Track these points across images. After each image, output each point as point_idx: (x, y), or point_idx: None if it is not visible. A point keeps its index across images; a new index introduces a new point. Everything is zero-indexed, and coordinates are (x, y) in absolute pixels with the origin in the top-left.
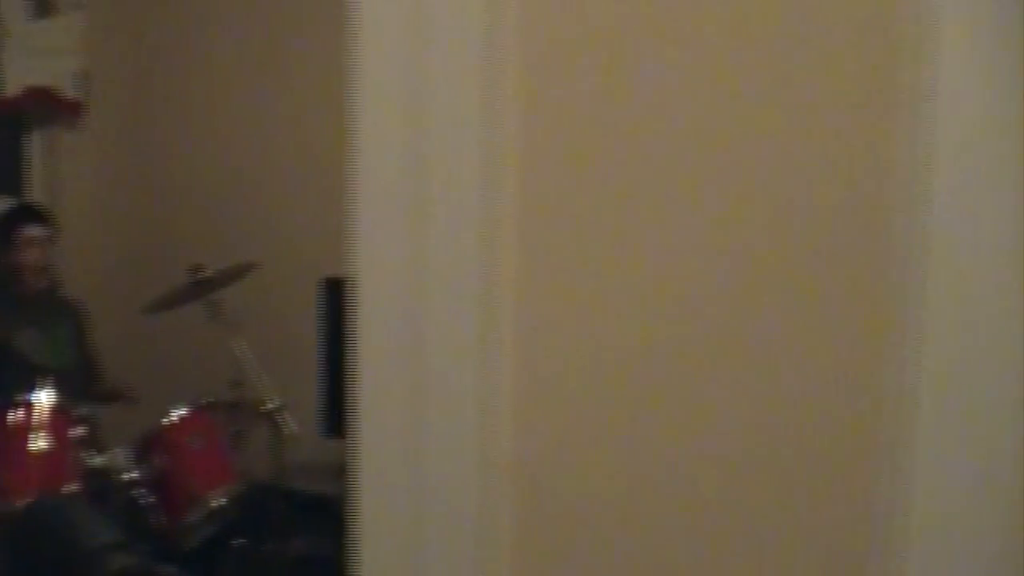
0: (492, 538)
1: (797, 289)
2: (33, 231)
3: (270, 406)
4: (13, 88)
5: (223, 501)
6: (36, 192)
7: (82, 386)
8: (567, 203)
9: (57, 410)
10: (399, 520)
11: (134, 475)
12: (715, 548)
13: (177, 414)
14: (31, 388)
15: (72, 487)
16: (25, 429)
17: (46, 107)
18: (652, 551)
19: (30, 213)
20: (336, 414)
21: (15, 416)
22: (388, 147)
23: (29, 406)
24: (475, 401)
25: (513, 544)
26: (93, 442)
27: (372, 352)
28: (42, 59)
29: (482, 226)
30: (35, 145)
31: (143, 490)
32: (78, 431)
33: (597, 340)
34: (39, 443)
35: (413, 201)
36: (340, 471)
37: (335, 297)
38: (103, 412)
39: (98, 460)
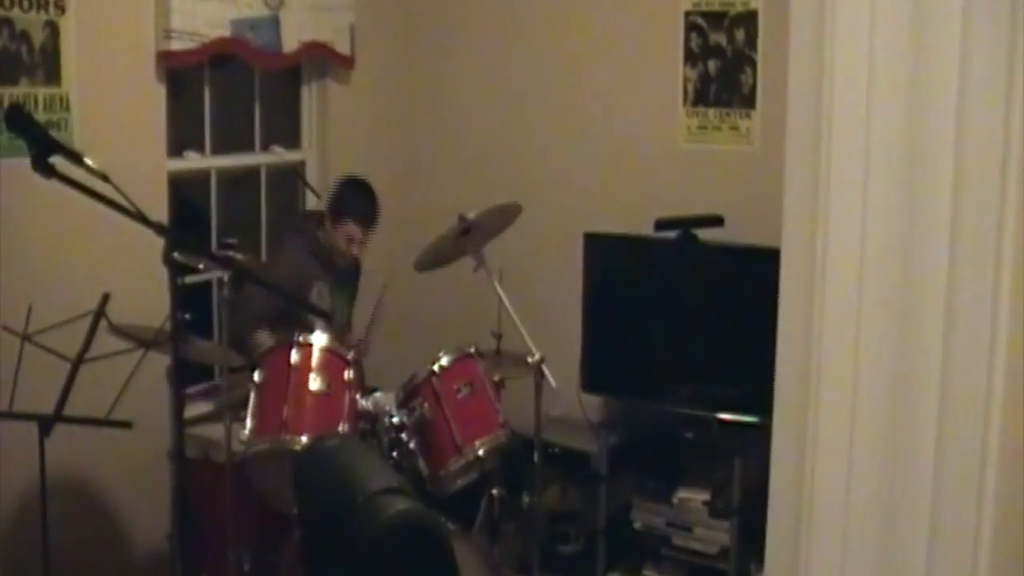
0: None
1: None
2: (356, 232)
3: (531, 359)
4: (290, 44)
5: (485, 451)
6: (307, 143)
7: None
8: None
9: (333, 351)
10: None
11: (398, 420)
12: None
13: (442, 362)
14: (309, 330)
15: (346, 428)
16: (306, 369)
17: (320, 61)
18: None
19: (361, 210)
20: (597, 370)
21: (297, 355)
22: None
23: (309, 347)
24: (971, 393)
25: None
26: (359, 385)
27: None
28: (317, 15)
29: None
30: (307, 98)
31: (405, 435)
32: (350, 374)
33: None
34: (318, 383)
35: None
36: (596, 427)
37: (596, 252)
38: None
39: (365, 403)
